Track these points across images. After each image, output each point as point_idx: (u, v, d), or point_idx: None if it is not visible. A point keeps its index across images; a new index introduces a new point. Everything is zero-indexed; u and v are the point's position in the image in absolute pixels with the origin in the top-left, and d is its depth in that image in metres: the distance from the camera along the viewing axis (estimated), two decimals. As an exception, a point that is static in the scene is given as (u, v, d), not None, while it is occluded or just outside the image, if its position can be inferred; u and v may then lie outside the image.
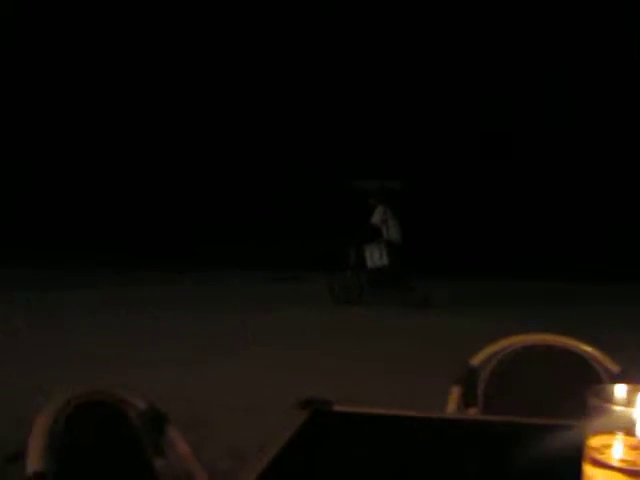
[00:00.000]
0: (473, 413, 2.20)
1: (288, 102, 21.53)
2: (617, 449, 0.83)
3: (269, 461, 1.34)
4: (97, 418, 1.74)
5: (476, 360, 2.31)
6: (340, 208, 18.53)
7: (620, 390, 0.87)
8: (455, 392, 2.24)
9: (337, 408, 1.79)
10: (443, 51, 20.77)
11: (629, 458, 0.82)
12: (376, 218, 10.97)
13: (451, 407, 2.21)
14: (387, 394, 5.30)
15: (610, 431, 0.83)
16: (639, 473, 0.81)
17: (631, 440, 0.83)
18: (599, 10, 19.42)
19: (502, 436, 1.62)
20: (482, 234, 18.46)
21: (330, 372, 6.34)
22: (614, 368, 2.24)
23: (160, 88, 21.98)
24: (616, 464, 0.82)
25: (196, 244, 18.32)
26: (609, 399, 0.86)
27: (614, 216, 18.33)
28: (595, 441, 0.84)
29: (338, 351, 7.53)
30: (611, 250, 16.33)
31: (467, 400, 2.23)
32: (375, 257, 10.78)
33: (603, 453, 0.83)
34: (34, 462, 1.40)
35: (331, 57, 21.40)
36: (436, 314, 10.26)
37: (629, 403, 0.85)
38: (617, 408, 0.83)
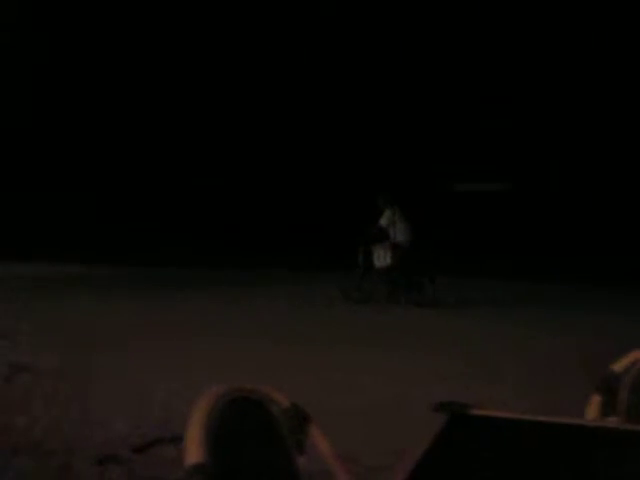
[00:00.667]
0: (614, 421, 2.14)
1: (387, 107, 21.79)
2: None
3: (415, 464, 1.37)
4: (245, 413, 1.84)
5: (617, 367, 2.25)
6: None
7: None
8: (595, 399, 2.19)
9: (475, 411, 1.80)
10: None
11: None
12: (384, 220, 11.31)
13: (591, 414, 2.16)
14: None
15: None
16: None
17: None
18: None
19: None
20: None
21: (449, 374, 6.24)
22: None
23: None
24: None
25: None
26: None
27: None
28: None
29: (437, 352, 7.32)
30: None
31: (608, 407, 2.18)
32: (381, 258, 11.21)
33: None
34: (193, 454, 1.50)
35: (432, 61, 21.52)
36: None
37: None
38: None
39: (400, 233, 11.14)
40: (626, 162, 19.96)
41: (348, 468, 1.92)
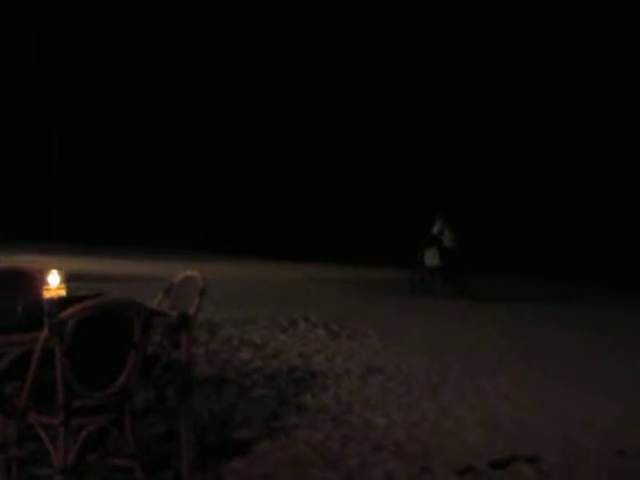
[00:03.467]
0: None
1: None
2: None
3: None
4: None
5: None
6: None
7: None
8: None
9: None
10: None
11: None
12: (435, 229, 13.65)
13: None
14: None
15: None
16: None
17: None
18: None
19: None
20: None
21: None
22: None
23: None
24: None
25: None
26: None
27: None
28: None
29: None
30: None
31: None
32: (431, 259, 13.46)
33: None
34: None
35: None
36: None
37: None
38: None
39: (448, 238, 13.50)
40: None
41: None
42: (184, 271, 4.18)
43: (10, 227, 19.87)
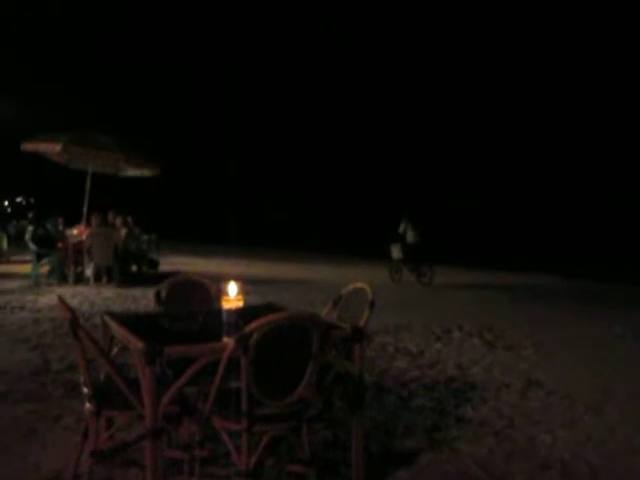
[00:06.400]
0: None
1: None
2: None
3: None
4: None
5: None
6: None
7: None
8: None
9: None
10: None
11: None
12: (400, 228, 16.43)
13: None
14: None
15: None
16: None
17: None
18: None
19: None
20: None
21: None
22: None
23: None
24: None
25: None
26: None
27: None
28: None
29: None
30: None
31: None
32: (395, 253, 16.39)
33: None
34: None
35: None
36: None
37: None
38: None
39: (410, 235, 16.19)
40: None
41: None
42: (353, 283, 4.29)
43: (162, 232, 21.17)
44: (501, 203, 30.33)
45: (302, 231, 28.83)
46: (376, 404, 5.36)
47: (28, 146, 13.77)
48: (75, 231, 14.34)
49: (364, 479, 3.80)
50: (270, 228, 30.19)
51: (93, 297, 11.33)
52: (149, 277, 14.31)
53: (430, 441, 4.59)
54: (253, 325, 3.09)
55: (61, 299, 3.62)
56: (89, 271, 13.38)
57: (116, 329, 3.58)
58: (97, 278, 13.31)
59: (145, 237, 16.01)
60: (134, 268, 14.81)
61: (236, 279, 3.68)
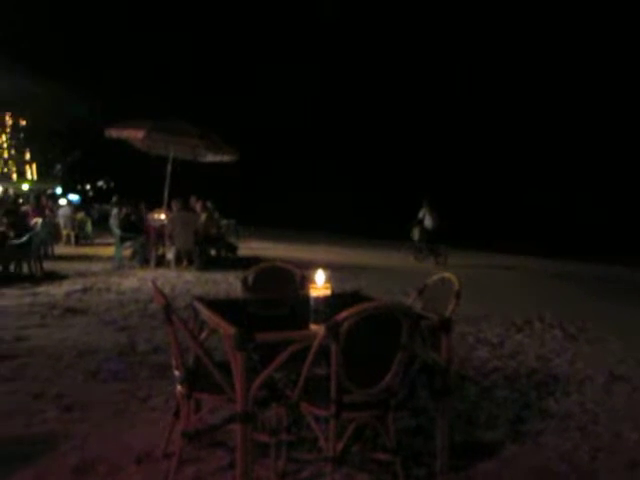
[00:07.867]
0: None
1: None
2: None
3: None
4: None
5: None
6: None
7: None
8: None
9: None
10: None
11: None
12: (420, 213, 18.07)
13: None
14: None
15: None
16: None
17: None
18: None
19: None
20: None
21: None
22: None
23: None
24: None
25: None
26: None
27: None
28: None
29: None
30: None
31: None
32: (415, 235, 18.08)
33: None
34: None
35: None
36: None
37: None
38: None
39: (428, 220, 17.81)
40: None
41: None
42: (439, 273, 4.28)
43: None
44: (575, 197, 30.48)
45: (373, 219, 29.38)
46: (458, 394, 5.34)
47: (112, 132, 14.14)
48: (162, 215, 14.67)
49: (448, 469, 3.81)
50: (345, 215, 30.60)
51: (174, 280, 11.62)
52: (228, 261, 14.60)
53: (513, 433, 4.55)
54: (344, 314, 3.12)
55: (155, 286, 3.74)
56: (170, 255, 13.73)
57: (207, 314, 3.68)
58: (178, 262, 13.64)
59: (224, 222, 16.29)
60: (213, 252, 15.13)
61: (323, 267, 3.71)
